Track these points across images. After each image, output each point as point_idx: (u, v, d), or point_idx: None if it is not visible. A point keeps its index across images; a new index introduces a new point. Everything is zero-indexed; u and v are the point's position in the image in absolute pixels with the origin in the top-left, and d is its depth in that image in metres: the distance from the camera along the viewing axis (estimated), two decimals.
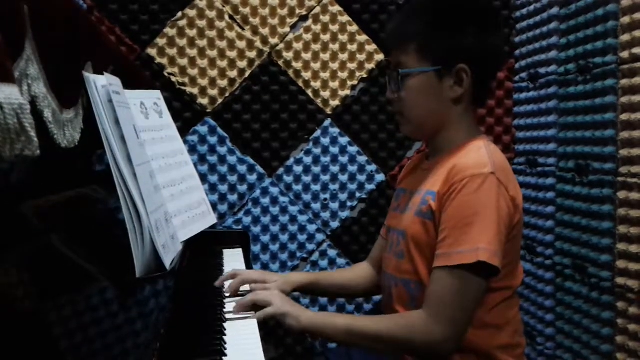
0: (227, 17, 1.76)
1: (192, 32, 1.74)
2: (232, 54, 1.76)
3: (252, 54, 1.77)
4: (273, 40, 1.78)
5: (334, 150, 1.83)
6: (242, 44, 1.77)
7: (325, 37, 1.81)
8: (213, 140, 1.78)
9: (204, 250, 1.43)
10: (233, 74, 1.77)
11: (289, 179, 1.82)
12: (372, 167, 1.85)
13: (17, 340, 0.63)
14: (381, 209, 1.84)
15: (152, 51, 1.73)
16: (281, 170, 1.82)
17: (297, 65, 1.80)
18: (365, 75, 1.83)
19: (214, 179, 1.79)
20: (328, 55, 1.81)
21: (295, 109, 1.81)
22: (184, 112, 1.76)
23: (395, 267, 1.15)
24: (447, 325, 0.99)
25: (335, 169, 1.84)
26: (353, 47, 1.82)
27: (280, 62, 1.80)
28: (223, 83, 1.76)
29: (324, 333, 1.06)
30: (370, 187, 1.85)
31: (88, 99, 0.87)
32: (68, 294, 0.76)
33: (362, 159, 1.85)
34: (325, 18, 1.80)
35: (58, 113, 0.74)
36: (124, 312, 0.85)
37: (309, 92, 1.81)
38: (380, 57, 1.83)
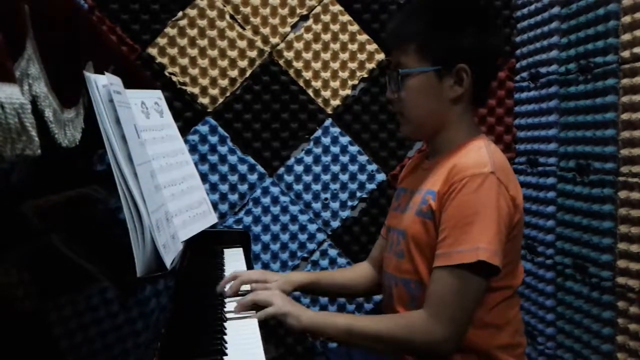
0: (227, 16, 1.76)
1: (193, 32, 1.74)
2: (233, 54, 1.76)
3: (253, 54, 1.77)
4: (274, 40, 1.78)
5: (335, 149, 1.83)
6: (242, 44, 1.77)
7: (326, 37, 1.81)
8: (214, 139, 1.78)
9: (204, 249, 1.43)
10: (234, 73, 1.77)
11: (289, 178, 1.82)
12: (372, 167, 1.85)
13: (17, 340, 0.63)
14: (382, 208, 1.84)
15: (152, 51, 1.73)
16: (282, 169, 1.82)
17: (298, 64, 1.80)
18: (365, 75, 1.83)
19: (214, 178, 1.79)
20: (329, 55, 1.81)
21: (296, 108, 1.81)
22: (185, 111, 1.76)
23: (395, 267, 1.15)
24: (448, 325, 0.99)
25: (335, 168, 1.84)
26: (354, 47, 1.82)
27: (281, 62, 1.80)
28: (224, 82, 1.76)
29: (325, 333, 1.06)
30: (370, 186, 1.85)
31: (89, 98, 0.87)
32: (68, 293, 0.76)
33: (363, 158, 1.85)
34: (326, 17, 1.80)
35: (59, 112, 0.74)
36: (125, 311, 0.85)
37: (310, 92, 1.81)
38: (381, 56, 1.83)
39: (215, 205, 1.76)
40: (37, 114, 0.64)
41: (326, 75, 1.81)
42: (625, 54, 1.35)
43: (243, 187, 1.81)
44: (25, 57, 0.64)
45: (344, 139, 1.84)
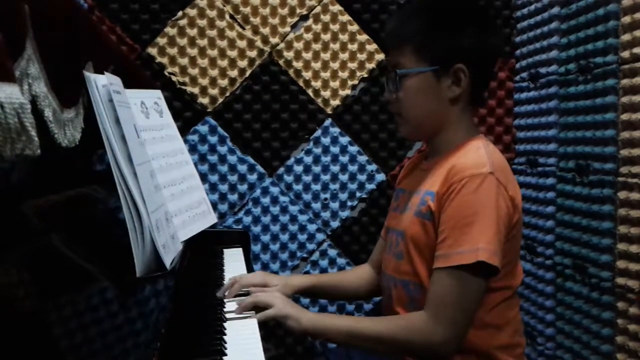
0: (227, 16, 1.76)
1: (193, 32, 1.74)
2: (233, 54, 1.76)
3: (253, 54, 1.77)
4: (273, 40, 1.78)
5: (335, 149, 1.83)
6: (242, 44, 1.77)
7: (326, 37, 1.81)
8: (213, 139, 1.78)
9: (204, 249, 1.43)
10: (233, 73, 1.77)
11: (289, 178, 1.82)
12: (372, 167, 1.85)
13: (17, 340, 0.63)
14: (381, 208, 1.84)
15: (152, 50, 1.73)
16: (281, 169, 1.82)
17: (298, 64, 1.80)
18: (365, 75, 1.83)
19: (214, 178, 1.79)
20: (328, 55, 1.81)
21: (296, 108, 1.81)
22: (185, 111, 1.76)
23: (395, 268, 1.15)
24: (448, 326, 0.99)
25: (335, 168, 1.84)
26: (354, 47, 1.82)
27: (281, 62, 1.80)
28: (223, 82, 1.76)
29: (325, 335, 1.07)
30: (370, 186, 1.85)
31: (89, 98, 0.87)
32: (68, 293, 0.76)
33: (363, 158, 1.85)
34: (326, 17, 1.80)
35: (59, 112, 0.74)
36: (124, 311, 0.85)
37: (310, 92, 1.81)
38: (380, 56, 1.83)
39: (214, 205, 1.76)
40: (36, 114, 0.64)
41: (326, 75, 1.81)
42: (625, 54, 1.35)
43: (243, 187, 1.81)
44: (25, 57, 0.64)
45: (344, 139, 1.84)
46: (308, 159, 1.83)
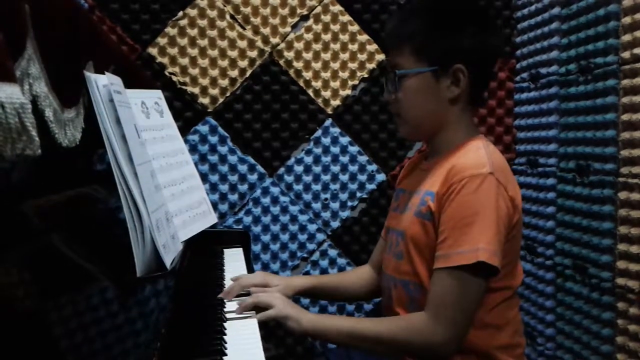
0: (228, 16, 1.76)
1: (193, 32, 1.74)
2: (233, 54, 1.76)
3: (253, 54, 1.77)
4: (274, 40, 1.78)
5: (335, 150, 1.83)
6: (243, 44, 1.77)
7: (326, 37, 1.81)
8: (214, 139, 1.78)
9: (204, 249, 1.43)
10: (234, 73, 1.77)
11: (289, 178, 1.82)
12: (372, 167, 1.85)
13: (17, 340, 0.63)
14: (382, 208, 1.84)
15: (153, 50, 1.73)
16: (282, 169, 1.82)
17: (298, 64, 1.80)
18: (366, 75, 1.83)
19: (214, 178, 1.79)
20: (329, 55, 1.81)
21: (296, 108, 1.81)
22: (185, 111, 1.76)
23: (395, 268, 1.15)
24: (448, 326, 0.99)
25: (335, 168, 1.84)
26: (354, 47, 1.82)
27: (281, 62, 1.80)
28: (224, 82, 1.76)
29: (325, 336, 1.07)
30: (370, 186, 1.85)
31: (89, 98, 0.87)
32: (68, 293, 0.76)
33: (363, 158, 1.85)
34: (326, 18, 1.80)
35: (59, 112, 0.74)
36: (125, 311, 0.85)
37: (310, 92, 1.81)
38: (381, 57, 1.83)
39: (215, 205, 1.76)
40: (37, 114, 0.64)
41: (326, 75, 1.81)
42: (626, 54, 1.35)
43: (243, 187, 1.81)
44: (26, 57, 0.64)
45: (344, 139, 1.84)
46: (308, 159, 1.83)
